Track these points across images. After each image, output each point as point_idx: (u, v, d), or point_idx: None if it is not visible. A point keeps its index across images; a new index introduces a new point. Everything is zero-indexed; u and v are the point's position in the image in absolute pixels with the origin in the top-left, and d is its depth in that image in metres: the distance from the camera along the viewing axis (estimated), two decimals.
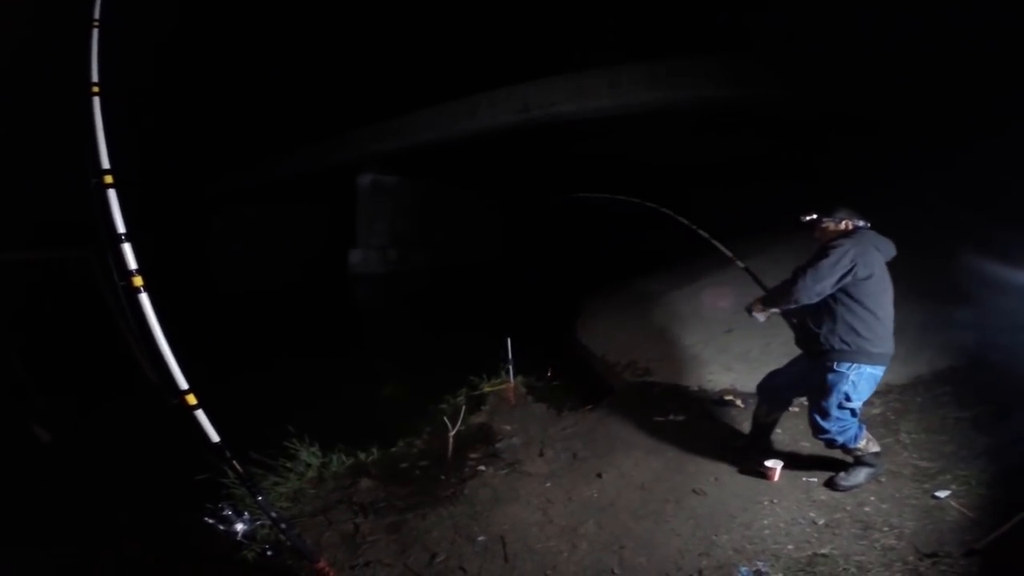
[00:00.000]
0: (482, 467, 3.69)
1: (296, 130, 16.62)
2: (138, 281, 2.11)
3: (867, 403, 3.43)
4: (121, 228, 2.10)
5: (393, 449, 4.23)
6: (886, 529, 2.54)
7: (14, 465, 4.29)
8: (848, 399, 2.75)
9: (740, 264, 3.69)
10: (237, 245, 18.08)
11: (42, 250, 6.74)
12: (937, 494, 2.72)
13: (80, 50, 2.22)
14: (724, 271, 7.02)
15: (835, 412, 2.78)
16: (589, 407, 4.58)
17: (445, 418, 4.19)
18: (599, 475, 3.38)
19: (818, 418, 2.85)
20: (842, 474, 2.93)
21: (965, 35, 7.31)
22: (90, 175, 2.11)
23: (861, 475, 2.89)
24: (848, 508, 2.74)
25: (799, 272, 2.80)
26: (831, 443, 2.87)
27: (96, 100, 2.15)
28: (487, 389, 4.97)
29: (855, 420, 2.83)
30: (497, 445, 4.01)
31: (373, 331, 11.15)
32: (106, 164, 2.11)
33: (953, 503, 2.64)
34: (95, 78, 2.20)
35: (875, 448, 2.91)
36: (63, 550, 3.13)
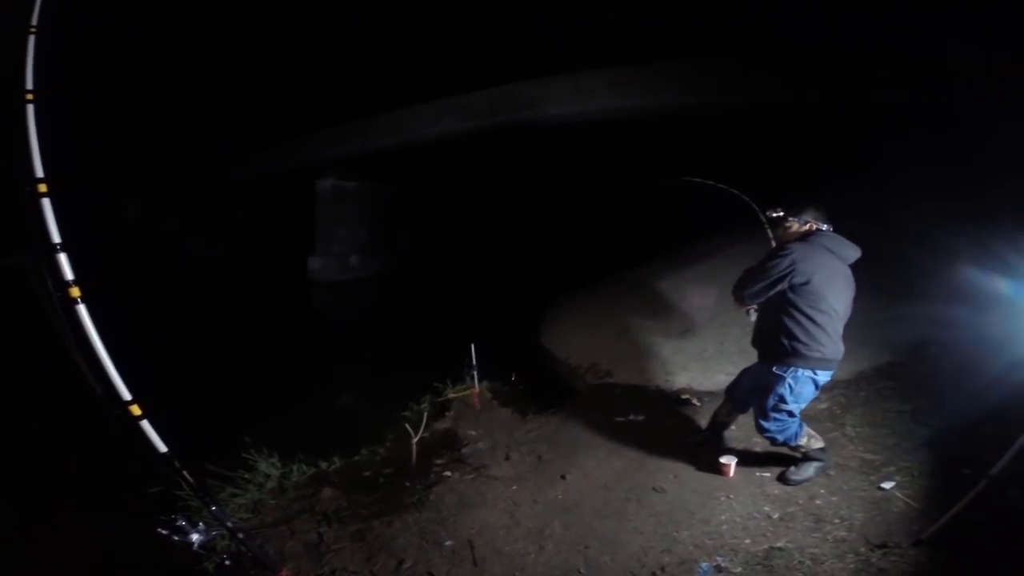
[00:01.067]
0: (448, 472, 3.67)
1: (254, 132, 16.15)
2: (75, 292, 2.04)
3: (813, 398, 3.59)
4: (56, 238, 2.03)
5: (356, 457, 4.16)
6: (837, 521, 2.65)
7: None
8: (783, 401, 2.83)
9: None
10: (191, 250, 17.40)
11: None
12: (883, 485, 2.85)
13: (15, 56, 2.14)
14: (682, 271, 7.23)
15: (772, 413, 2.87)
16: (553, 410, 4.63)
17: (407, 425, 4.16)
18: (563, 477, 3.42)
19: (760, 418, 2.96)
20: (792, 468, 3.04)
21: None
22: (24, 183, 2.03)
23: (810, 469, 3.01)
24: (800, 502, 2.86)
25: (745, 272, 2.91)
26: (773, 441, 2.98)
27: (31, 108, 2.08)
28: (452, 395, 4.96)
29: (794, 420, 2.91)
30: (463, 450, 4.00)
31: (334, 339, 10.93)
32: (40, 173, 2.03)
33: (898, 494, 2.77)
34: (30, 85, 2.12)
35: (818, 444, 3.02)
36: (10, 563, 2.97)
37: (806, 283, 2.72)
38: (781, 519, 2.75)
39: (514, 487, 3.39)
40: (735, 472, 3.17)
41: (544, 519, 3.01)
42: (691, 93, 11.07)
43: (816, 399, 3.30)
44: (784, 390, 2.81)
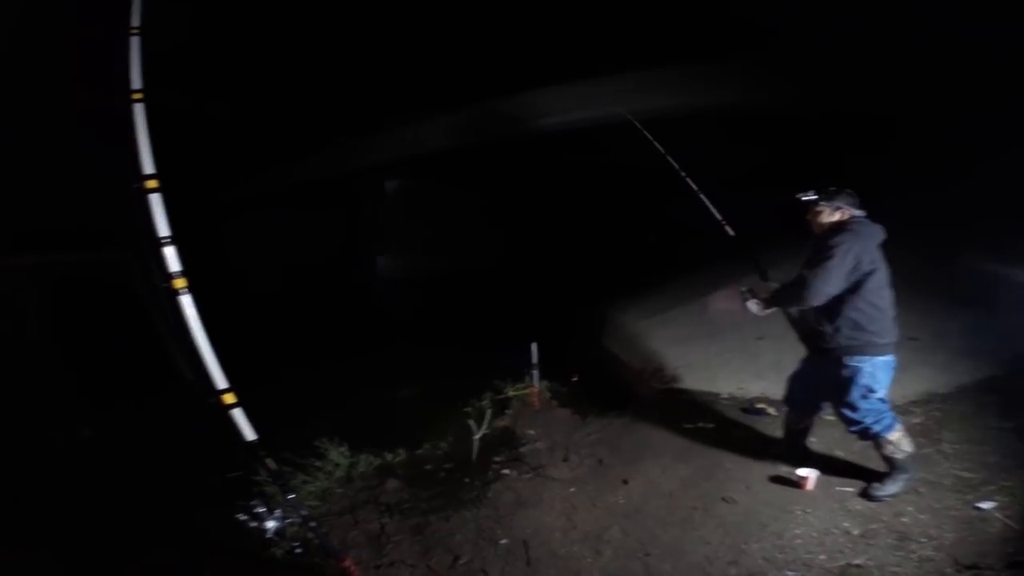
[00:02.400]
0: (506, 471, 3.69)
1: (315, 135, 16.90)
2: (179, 283, 2.17)
3: (907, 412, 3.33)
4: (163, 232, 2.17)
5: (419, 451, 4.26)
6: (924, 540, 2.45)
7: (53, 461, 4.47)
8: (871, 390, 2.71)
9: (730, 232, 3.67)
10: (255, 249, 18.40)
11: (83, 252, 6.98)
12: (980, 505, 2.62)
13: (119, 57, 2.28)
14: (750, 277, 6.89)
15: (862, 404, 2.73)
16: (614, 414, 4.53)
17: (470, 421, 4.21)
18: (625, 481, 3.34)
19: (847, 412, 2.80)
20: (877, 484, 2.85)
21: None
22: (132, 180, 2.18)
23: (898, 484, 2.80)
24: (884, 519, 2.66)
25: (806, 275, 2.75)
26: (865, 433, 2.80)
27: (138, 107, 2.22)
28: (511, 393, 4.97)
29: (886, 407, 2.78)
30: (521, 449, 4.01)
31: (398, 335, 11.24)
32: (149, 169, 2.17)
33: (997, 514, 2.53)
34: (137, 85, 2.26)
35: (909, 446, 2.81)
36: (97, 544, 3.22)
37: (871, 272, 2.68)
38: (862, 536, 2.56)
39: (572, 489, 3.35)
40: (814, 485, 2.99)
41: (602, 523, 2.95)
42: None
43: (910, 413, 3.07)
44: (867, 379, 2.70)
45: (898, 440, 2.78)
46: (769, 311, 3.06)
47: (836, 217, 2.85)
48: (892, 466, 2.82)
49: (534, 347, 4.81)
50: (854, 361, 2.71)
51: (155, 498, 3.70)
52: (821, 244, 2.77)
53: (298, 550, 2.91)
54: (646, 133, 4.10)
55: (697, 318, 6.29)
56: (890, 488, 2.80)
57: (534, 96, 12.58)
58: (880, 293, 2.71)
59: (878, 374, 2.72)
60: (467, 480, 3.65)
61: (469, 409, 4.79)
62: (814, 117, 9.56)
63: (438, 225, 17.61)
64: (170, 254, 2.17)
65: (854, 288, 2.69)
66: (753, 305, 3.07)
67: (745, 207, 3.86)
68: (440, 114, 14.39)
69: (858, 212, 2.85)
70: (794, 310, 3.05)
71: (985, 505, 2.61)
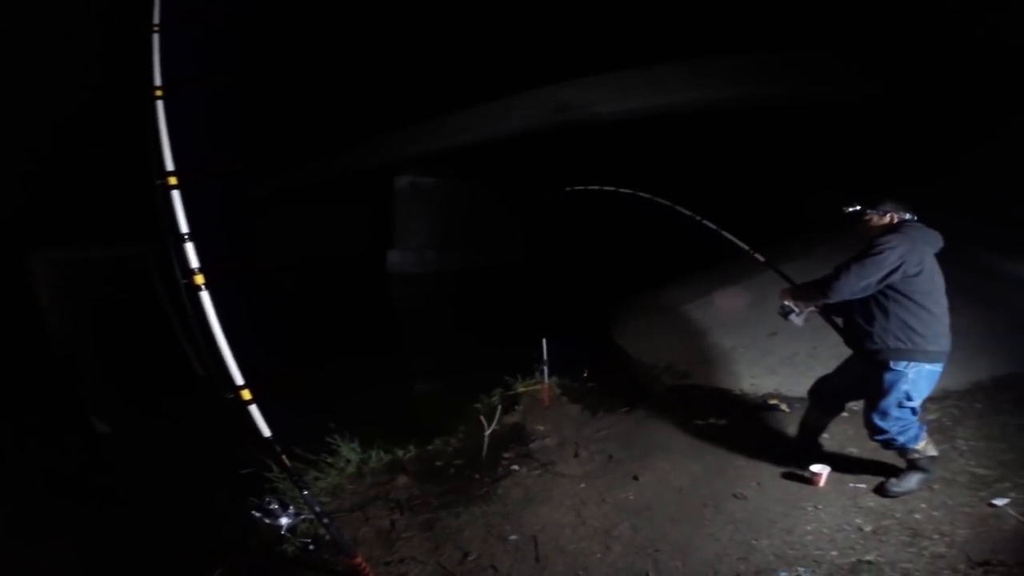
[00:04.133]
0: (515, 467, 3.70)
1: (335, 134, 17.02)
2: (199, 279, 2.19)
3: (923, 408, 3.28)
4: (184, 228, 2.17)
5: (429, 447, 4.28)
6: (936, 537, 2.43)
7: (72, 453, 4.56)
8: (909, 398, 2.65)
9: (760, 258, 3.59)
10: (281, 244, 18.60)
11: (105, 248, 7.10)
12: (994, 502, 2.58)
13: (143, 53, 2.30)
14: (765, 272, 6.83)
15: (895, 412, 2.68)
16: (625, 410, 4.53)
17: (481, 417, 4.23)
18: (635, 478, 3.34)
19: (876, 419, 2.74)
20: (893, 480, 2.81)
21: None
22: (154, 176, 2.20)
23: (913, 481, 2.77)
24: (897, 515, 2.63)
25: (842, 267, 2.70)
26: (889, 444, 2.76)
27: (160, 103, 2.22)
28: (521, 389, 4.98)
29: (915, 419, 2.72)
30: (531, 445, 4.01)
31: (410, 330, 11.31)
32: (170, 166, 2.19)
33: (1012, 511, 2.50)
34: (158, 81, 2.27)
35: (933, 452, 2.79)
36: (111, 536, 3.29)
37: (919, 274, 2.59)
38: (874, 532, 2.54)
39: (582, 485, 3.35)
40: (826, 482, 2.96)
41: (612, 519, 2.95)
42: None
43: (925, 409, 3.02)
44: (908, 386, 2.64)
45: (923, 448, 2.76)
46: (805, 315, 2.95)
47: (886, 221, 2.79)
48: (911, 465, 2.80)
49: (544, 343, 4.81)
50: (899, 365, 2.64)
51: (169, 494, 3.76)
52: (868, 243, 2.70)
53: (310, 547, 2.94)
54: (659, 200, 4.12)
55: (709, 314, 6.25)
56: (905, 485, 2.77)
57: (561, 89, 12.53)
58: (933, 298, 2.63)
59: (920, 382, 2.65)
60: (477, 476, 3.67)
61: (479, 405, 4.83)
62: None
63: (461, 220, 17.70)
64: (190, 250, 2.18)
65: (902, 290, 2.61)
66: (795, 318, 2.98)
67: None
68: (461, 110, 14.42)
69: (908, 216, 2.78)
70: (839, 316, 2.97)
71: (999, 502, 2.57)
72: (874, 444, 2.88)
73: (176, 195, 2.17)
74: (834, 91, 10.33)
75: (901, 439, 2.71)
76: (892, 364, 2.65)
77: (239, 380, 2.22)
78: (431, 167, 16.61)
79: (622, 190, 4.41)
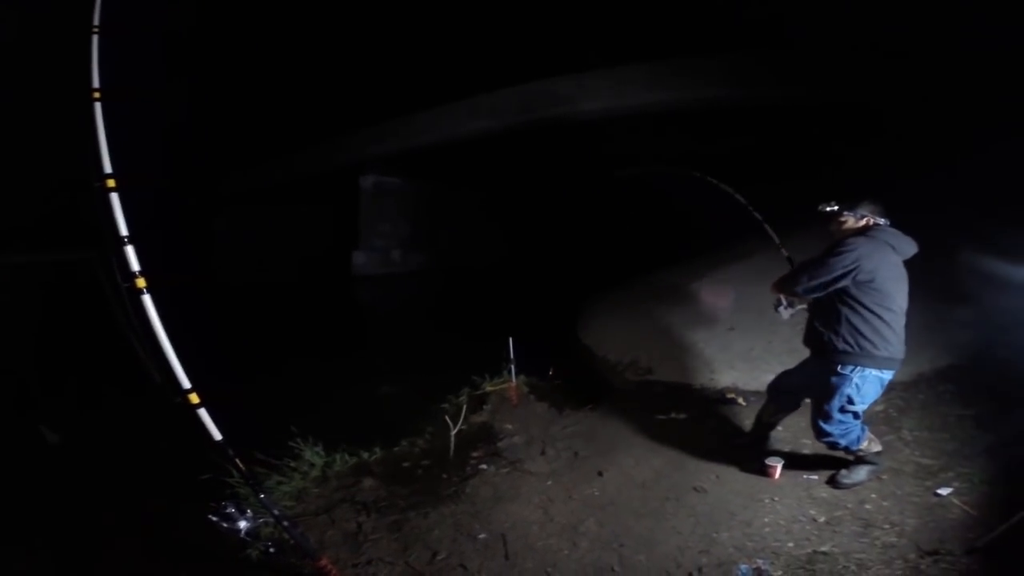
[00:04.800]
0: (484, 466, 3.70)
1: (298, 132, 16.65)
2: (141, 283, 2.14)
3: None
4: (124, 231, 2.13)
5: (396, 448, 4.23)
6: (887, 527, 2.54)
7: (19, 465, 4.33)
8: (851, 402, 2.73)
9: (784, 253, 3.64)
10: (241, 245, 18.11)
11: (52, 252, 6.80)
12: (939, 491, 2.72)
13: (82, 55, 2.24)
14: (725, 268, 7.03)
15: (837, 415, 2.76)
16: (590, 406, 4.58)
17: (447, 417, 4.21)
18: (600, 473, 3.39)
19: (820, 421, 2.83)
20: (843, 472, 2.94)
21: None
22: (93, 179, 2.14)
23: (862, 473, 2.90)
24: (849, 506, 2.75)
25: (801, 265, 2.80)
26: (833, 446, 2.86)
27: (98, 105, 2.18)
28: (489, 389, 4.98)
29: (857, 423, 2.81)
30: (499, 444, 4.02)
31: (375, 331, 11.16)
32: (108, 168, 2.14)
33: (955, 500, 2.64)
34: (96, 83, 2.22)
35: (877, 447, 2.91)
36: (66, 548, 3.15)
37: (871, 280, 2.62)
38: (827, 523, 2.65)
39: (549, 483, 3.38)
40: (781, 474, 3.07)
41: (579, 516, 2.99)
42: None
43: (873, 402, 3.14)
44: (851, 390, 2.71)
45: (866, 447, 2.87)
46: (793, 311, 3.05)
47: (860, 224, 2.82)
48: (858, 459, 2.91)
49: (511, 342, 4.82)
50: (846, 369, 2.70)
51: (127, 499, 3.62)
52: (832, 244, 2.75)
53: (271, 550, 2.88)
54: (724, 185, 4.06)
55: (671, 310, 6.38)
56: (856, 476, 2.89)
57: (527, 90, 12.53)
58: (885, 304, 2.63)
59: (865, 387, 2.70)
60: (445, 476, 3.65)
61: (447, 405, 4.80)
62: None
63: (428, 220, 17.54)
64: (131, 253, 2.13)
65: (855, 295, 2.64)
66: (782, 310, 3.06)
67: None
68: (435, 107, 14.27)
69: (882, 220, 2.82)
70: (784, 311, 3.06)
71: (944, 491, 2.71)
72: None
73: (115, 198, 2.13)
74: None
75: (843, 442, 2.81)
76: (839, 368, 2.72)
77: (186, 384, 2.18)
78: (396, 167, 16.41)
79: (686, 172, 4.28)
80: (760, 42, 9.75)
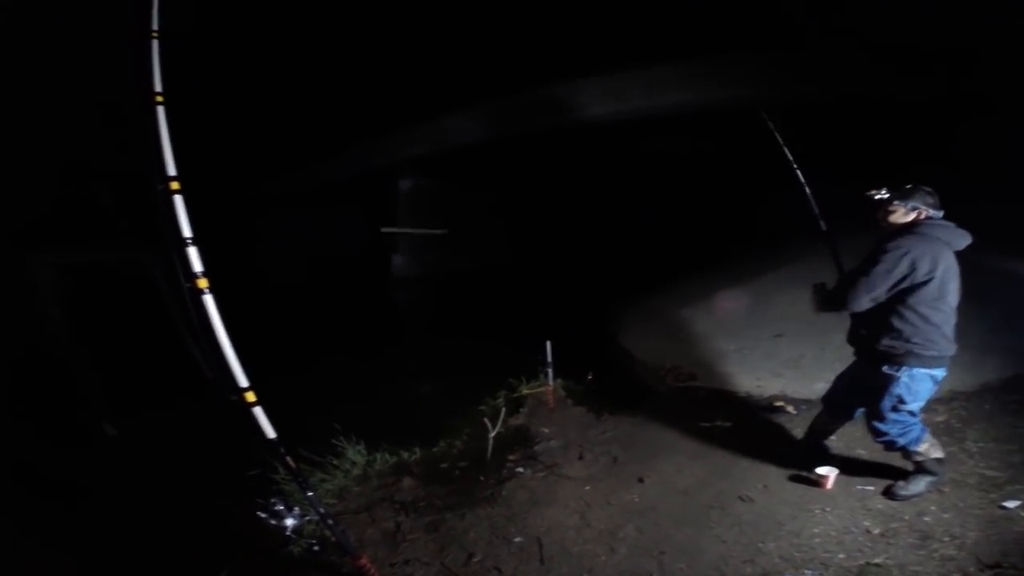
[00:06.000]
0: (520, 469, 3.69)
1: (334, 136, 17.06)
2: (202, 283, 2.21)
3: (931, 410, 3.25)
4: (187, 232, 2.21)
5: (434, 449, 4.28)
6: (946, 539, 2.41)
7: (79, 457, 4.58)
8: (902, 401, 2.61)
9: (832, 254, 3.37)
10: (281, 247, 18.68)
11: (105, 253, 7.15)
12: (1005, 504, 2.56)
13: (142, 60, 2.33)
14: (768, 274, 6.82)
15: (891, 415, 2.65)
16: (629, 412, 4.51)
17: (486, 419, 4.22)
18: (640, 480, 3.33)
19: (875, 422, 2.72)
20: (901, 483, 2.79)
21: None
22: (156, 182, 2.22)
23: (921, 484, 2.74)
24: (906, 518, 2.61)
25: (852, 276, 2.66)
26: (891, 446, 2.73)
27: (160, 109, 2.25)
28: (525, 392, 4.97)
29: (916, 420, 2.68)
30: (535, 448, 4.01)
31: (412, 332, 11.32)
32: (172, 171, 2.22)
33: (1022, 513, 2.48)
34: (159, 88, 2.30)
35: (938, 454, 2.75)
36: (119, 540, 3.30)
37: (927, 282, 2.50)
38: (882, 535, 2.52)
39: (586, 487, 3.34)
40: (833, 484, 2.94)
41: (617, 521, 2.94)
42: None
43: (933, 411, 2.99)
44: (901, 390, 2.59)
45: (926, 450, 2.72)
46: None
47: (911, 218, 2.63)
48: (918, 468, 2.77)
49: (549, 345, 4.80)
50: (891, 369, 2.59)
51: (177, 496, 3.77)
52: (880, 245, 2.60)
53: (315, 547, 2.95)
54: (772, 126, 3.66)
55: (712, 315, 6.24)
56: (914, 488, 2.74)
57: (558, 91, 12.52)
58: (935, 304, 2.51)
59: (915, 386, 2.58)
60: (482, 478, 3.66)
61: (484, 407, 4.81)
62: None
63: (463, 222, 17.75)
64: (193, 254, 2.20)
65: (901, 296, 2.53)
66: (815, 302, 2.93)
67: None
68: (461, 110, 14.43)
69: (935, 213, 2.63)
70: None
71: (1010, 504, 2.55)
72: (880, 445, 2.85)
73: (179, 200, 2.20)
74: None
75: (902, 440, 2.68)
76: (884, 368, 2.62)
77: (244, 383, 2.24)
78: (430, 169, 16.65)
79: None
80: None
